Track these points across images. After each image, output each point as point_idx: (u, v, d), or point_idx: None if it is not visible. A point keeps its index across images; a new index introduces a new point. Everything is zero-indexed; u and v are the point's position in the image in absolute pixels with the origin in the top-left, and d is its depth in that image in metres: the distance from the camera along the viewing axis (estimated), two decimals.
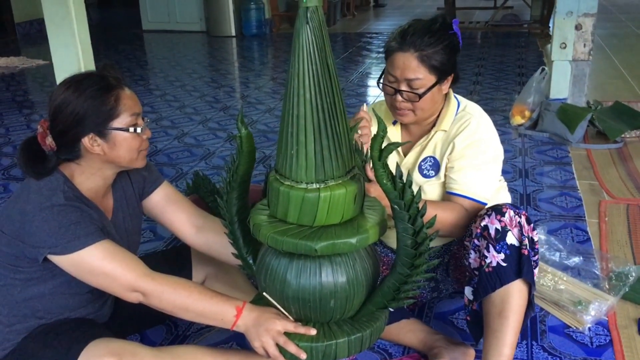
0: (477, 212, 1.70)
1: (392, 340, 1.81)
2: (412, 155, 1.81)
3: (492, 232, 1.54)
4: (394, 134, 1.84)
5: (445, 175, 1.75)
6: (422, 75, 1.63)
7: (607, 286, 2.02)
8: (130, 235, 1.70)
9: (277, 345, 1.40)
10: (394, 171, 1.30)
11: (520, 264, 1.51)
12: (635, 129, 3.54)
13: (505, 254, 1.52)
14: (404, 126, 1.85)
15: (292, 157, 1.32)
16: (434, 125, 1.78)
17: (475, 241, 1.58)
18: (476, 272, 1.58)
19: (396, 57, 1.65)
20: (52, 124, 1.49)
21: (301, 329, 1.40)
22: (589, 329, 1.84)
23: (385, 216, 1.42)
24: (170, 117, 4.37)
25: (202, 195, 2.44)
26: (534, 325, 1.88)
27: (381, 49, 6.98)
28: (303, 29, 1.26)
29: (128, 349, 1.51)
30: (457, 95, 1.82)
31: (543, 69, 3.71)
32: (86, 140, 1.47)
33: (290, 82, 1.29)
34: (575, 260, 2.15)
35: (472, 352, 1.72)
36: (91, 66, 4.62)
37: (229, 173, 1.52)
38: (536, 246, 1.56)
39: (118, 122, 1.48)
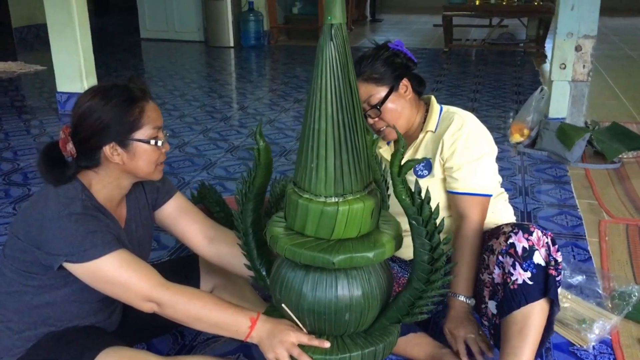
0: (485, 205, 1.76)
1: (399, 353, 1.82)
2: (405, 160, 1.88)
3: (520, 250, 1.57)
4: (389, 153, 1.93)
5: (444, 174, 1.82)
6: (372, 92, 1.77)
7: (610, 305, 2.05)
8: (141, 245, 1.71)
9: (291, 357, 1.41)
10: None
11: (548, 284, 1.54)
12: (632, 150, 3.59)
13: (532, 272, 1.55)
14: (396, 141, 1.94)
15: (311, 171, 1.34)
16: (421, 132, 1.87)
17: (500, 257, 1.61)
18: (499, 288, 1.61)
19: None
20: (75, 130, 1.50)
21: (315, 342, 1.41)
22: (593, 347, 1.87)
23: (400, 231, 1.44)
24: (171, 126, 4.38)
25: (207, 205, 2.44)
26: (542, 343, 1.89)
27: None
28: (327, 45, 1.28)
29: (140, 357, 1.52)
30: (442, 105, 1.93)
31: (542, 89, 3.76)
32: (107, 149, 1.49)
33: (312, 96, 1.32)
34: (579, 278, 2.17)
35: None
36: (92, 73, 4.64)
37: (245, 185, 1.53)
38: (560, 267, 1.58)
39: (140, 134, 1.50)
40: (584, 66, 3.62)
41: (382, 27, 10.83)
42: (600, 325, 1.89)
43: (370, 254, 1.33)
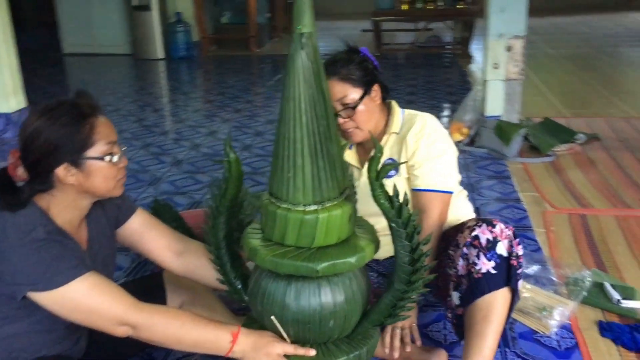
0: (446, 202, 1.82)
1: (375, 355, 1.84)
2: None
3: (483, 241, 1.63)
4: (352, 156, 1.97)
5: (408, 174, 1.88)
6: (348, 91, 1.78)
7: (565, 291, 2.15)
8: (106, 266, 1.65)
9: None
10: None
11: (510, 274, 1.60)
12: (564, 143, 3.78)
13: (495, 262, 1.61)
14: (359, 146, 1.98)
15: (289, 180, 1.33)
16: (384, 134, 1.91)
17: (465, 249, 1.67)
18: (464, 279, 1.66)
19: None
20: (24, 153, 1.43)
21: (301, 351, 1.41)
22: (555, 333, 1.95)
23: (376, 233, 1.46)
24: None
25: (164, 222, 2.38)
26: (504, 332, 1.96)
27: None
28: (298, 53, 1.29)
29: None
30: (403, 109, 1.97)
31: (479, 88, 3.91)
32: (60, 170, 1.42)
33: (285, 106, 1.32)
34: (534, 268, 2.27)
35: (444, 354, 1.80)
36: (20, 92, 4.43)
37: (217, 198, 1.51)
38: (521, 260, 1.65)
39: (93, 151, 1.44)
40: (515, 65, 3.78)
41: None
42: (560, 312, 1.98)
43: (352, 259, 1.34)
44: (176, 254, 1.70)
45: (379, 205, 1.35)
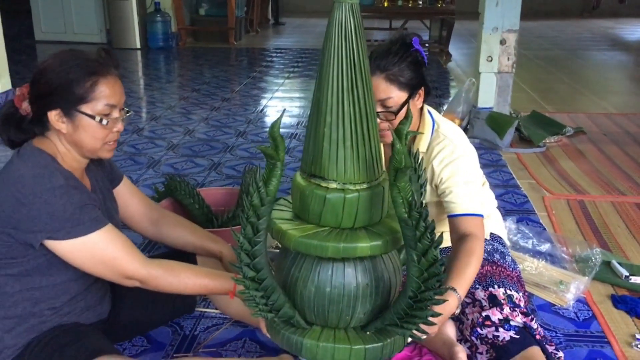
0: (480, 225, 1.71)
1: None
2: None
3: (495, 320, 1.60)
4: None
5: (434, 199, 1.80)
6: (393, 94, 1.65)
7: (575, 268, 2.24)
8: (112, 217, 1.65)
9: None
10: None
11: (535, 339, 1.58)
12: (553, 135, 3.90)
13: (515, 330, 1.58)
14: (386, 148, 1.83)
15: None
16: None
17: (479, 330, 1.61)
18: (483, 347, 1.62)
19: None
20: (31, 88, 1.47)
21: None
22: (572, 305, 2.03)
23: None
24: None
25: (180, 198, 2.38)
26: None
27: (294, 64, 7.11)
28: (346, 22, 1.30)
29: None
30: (430, 110, 1.83)
31: (472, 80, 4.00)
32: (52, 115, 1.45)
33: (340, 83, 1.30)
34: (546, 246, 2.35)
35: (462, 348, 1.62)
36: (5, 74, 4.33)
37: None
38: (539, 330, 1.63)
39: (89, 108, 1.45)
40: (508, 58, 3.89)
41: (286, 30, 10.93)
42: (576, 286, 2.06)
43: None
44: (152, 223, 1.84)
45: (397, 211, 1.21)
